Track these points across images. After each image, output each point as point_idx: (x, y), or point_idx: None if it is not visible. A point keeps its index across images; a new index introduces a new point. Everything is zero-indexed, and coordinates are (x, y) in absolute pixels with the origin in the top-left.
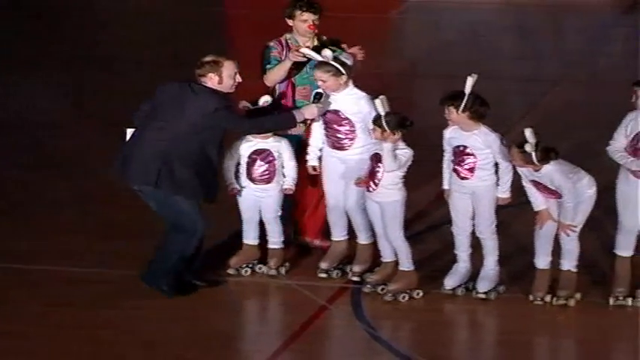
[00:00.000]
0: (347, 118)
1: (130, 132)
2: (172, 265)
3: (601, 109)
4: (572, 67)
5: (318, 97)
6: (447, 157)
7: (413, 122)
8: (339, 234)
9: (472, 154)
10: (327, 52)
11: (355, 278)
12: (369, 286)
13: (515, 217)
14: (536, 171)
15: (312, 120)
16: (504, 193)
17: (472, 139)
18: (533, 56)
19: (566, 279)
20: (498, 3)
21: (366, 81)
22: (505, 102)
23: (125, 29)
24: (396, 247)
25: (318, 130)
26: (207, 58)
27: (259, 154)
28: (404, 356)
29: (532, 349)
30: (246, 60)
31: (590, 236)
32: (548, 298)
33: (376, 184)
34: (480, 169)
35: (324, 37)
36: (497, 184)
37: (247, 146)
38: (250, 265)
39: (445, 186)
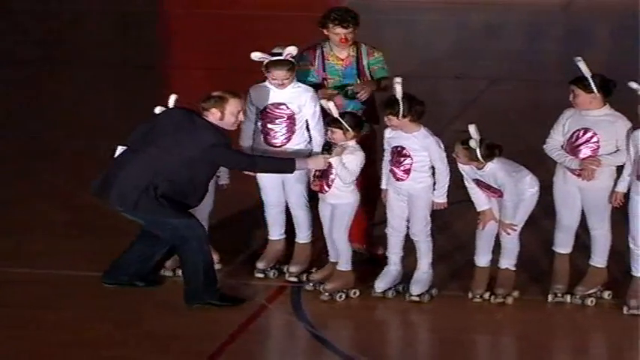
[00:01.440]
0: (291, 113)
1: (120, 149)
2: (205, 275)
3: (539, 107)
4: (510, 64)
5: (327, 147)
6: (387, 157)
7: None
8: (276, 233)
9: (409, 156)
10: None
11: (292, 279)
12: (311, 284)
13: (454, 214)
14: (480, 169)
15: (317, 170)
16: (440, 197)
17: (410, 140)
18: (471, 54)
19: (504, 277)
20: (435, 2)
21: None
22: (442, 100)
23: (62, 29)
24: (338, 248)
25: (248, 129)
26: (214, 93)
27: None
28: (345, 355)
29: (472, 347)
30: (183, 58)
31: (529, 234)
32: (487, 296)
33: (329, 186)
34: (415, 171)
35: (364, 45)
36: (434, 188)
37: None
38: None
39: (383, 186)
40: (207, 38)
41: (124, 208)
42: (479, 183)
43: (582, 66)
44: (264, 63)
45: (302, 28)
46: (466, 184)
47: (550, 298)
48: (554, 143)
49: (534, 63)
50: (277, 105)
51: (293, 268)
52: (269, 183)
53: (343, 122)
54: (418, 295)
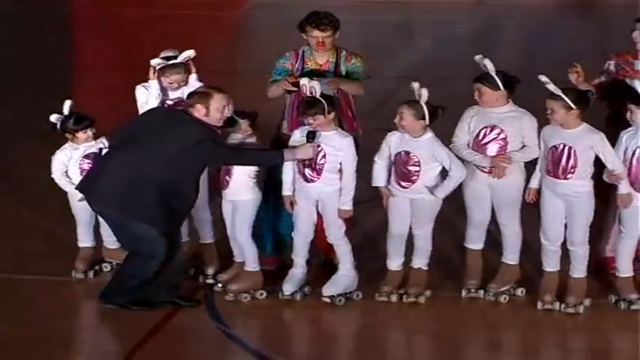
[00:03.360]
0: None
1: (104, 150)
2: (132, 287)
3: (450, 104)
4: (422, 63)
5: (311, 136)
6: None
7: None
8: (184, 234)
9: (322, 155)
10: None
11: (209, 281)
12: (219, 285)
13: (364, 212)
14: (415, 137)
15: (309, 159)
16: (345, 204)
17: (328, 138)
18: (380, 53)
19: (416, 276)
20: (346, 1)
21: (217, 79)
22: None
23: None
24: (242, 247)
25: None
26: (200, 89)
27: (89, 157)
28: (258, 354)
29: (384, 343)
30: (91, 60)
31: (442, 231)
32: (394, 298)
33: (227, 182)
34: (327, 171)
35: (345, 51)
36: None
37: (76, 153)
38: (96, 267)
39: (287, 192)
40: (115, 37)
41: (109, 206)
42: (401, 159)
43: (488, 63)
44: (160, 67)
45: (212, 26)
46: (377, 159)
47: (464, 293)
48: (461, 142)
49: (445, 61)
50: (178, 102)
51: (210, 270)
52: None
53: (239, 119)
54: (330, 297)
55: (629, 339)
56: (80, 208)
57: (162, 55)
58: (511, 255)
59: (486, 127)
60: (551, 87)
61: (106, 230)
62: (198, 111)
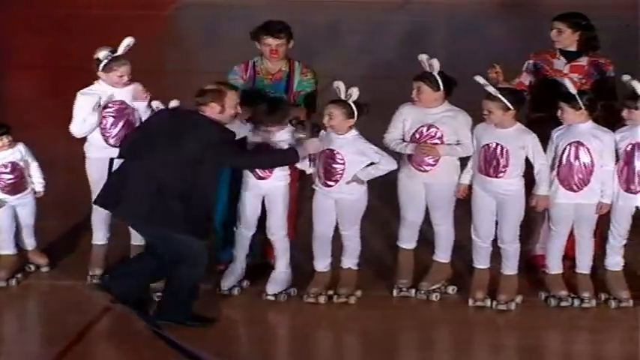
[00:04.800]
0: (130, 109)
1: (117, 162)
2: (187, 296)
3: (378, 103)
4: (349, 63)
5: (317, 129)
6: None
7: None
8: (102, 237)
9: None
10: None
11: None
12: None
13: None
14: (341, 134)
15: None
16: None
17: (277, 135)
18: (310, 53)
19: (346, 277)
20: (275, 1)
21: (148, 79)
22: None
23: None
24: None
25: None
26: (210, 87)
27: (5, 167)
28: (191, 354)
29: (315, 344)
30: (20, 61)
31: (374, 230)
32: (322, 300)
33: None
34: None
35: (299, 63)
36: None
37: None
38: (18, 275)
39: None
40: (42, 38)
41: (137, 218)
42: (322, 164)
43: (435, 63)
44: (105, 64)
45: (139, 26)
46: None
47: (395, 292)
48: (391, 137)
49: (372, 61)
50: (120, 102)
51: None
52: (95, 186)
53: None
54: (274, 295)
55: (559, 335)
56: (2, 214)
57: (98, 54)
58: (443, 253)
59: (422, 126)
60: (490, 89)
61: (26, 235)
62: (212, 109)
